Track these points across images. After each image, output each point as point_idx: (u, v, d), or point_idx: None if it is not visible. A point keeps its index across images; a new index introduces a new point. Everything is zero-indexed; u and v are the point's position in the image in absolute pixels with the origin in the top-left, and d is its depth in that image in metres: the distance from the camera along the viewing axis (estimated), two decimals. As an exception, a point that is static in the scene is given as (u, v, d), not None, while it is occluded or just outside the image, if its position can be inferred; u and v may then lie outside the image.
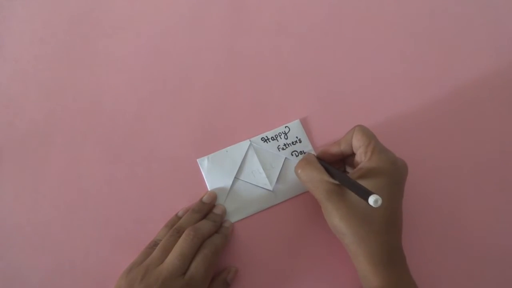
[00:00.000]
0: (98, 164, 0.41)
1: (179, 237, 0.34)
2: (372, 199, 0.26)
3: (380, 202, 0.26)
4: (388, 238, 0.31)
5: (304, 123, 0.42)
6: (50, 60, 0.46)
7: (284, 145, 0.41)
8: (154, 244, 0.35)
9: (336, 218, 0.31)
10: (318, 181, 0.33)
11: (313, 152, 0.40)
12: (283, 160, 0.40)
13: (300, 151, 0.41)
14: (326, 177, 0.32)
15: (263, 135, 0.41)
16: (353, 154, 0.34)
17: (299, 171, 0.35)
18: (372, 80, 0.44)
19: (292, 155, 0.40)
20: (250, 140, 0.41)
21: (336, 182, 0.32)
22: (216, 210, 0.38)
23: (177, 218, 0.37)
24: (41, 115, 0.43)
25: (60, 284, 0.37)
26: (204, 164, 0.40)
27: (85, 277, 0.37)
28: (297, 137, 0.41)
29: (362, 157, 0.33)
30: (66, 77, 0.45)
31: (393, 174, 0.31)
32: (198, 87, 0.44)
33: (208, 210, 0.38)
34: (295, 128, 0.41)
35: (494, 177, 0.40)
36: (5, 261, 0.38)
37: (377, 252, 0.30)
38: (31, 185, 0.41)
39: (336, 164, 0.37)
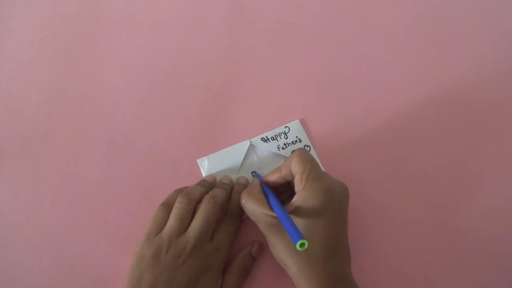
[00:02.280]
0: (98, 164, 0.41)
1: (191, 204, 0.34)
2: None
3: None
4: (330, 269, 0.30)
5: (304, 123, 0.42)
6: (50, 60, 0.46)
7: (284, 144, 0.41)
8: (163, 210, 0.35)
9: (277, 250, 0.31)
10: (259, 214, 0.32)
11: (311, 148, 0.40)
12: (284, 160, 0.40)
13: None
14: (266, 210, 0.32)
15: (263, 135, 0.41)
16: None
17: (243, 201, 0.34)
18: (372, 80, 0.44)
19: (293, 154, 0.40)
20: (250, 140, 0.41)
21: (275, 215, 0.31)
22: (224, 180, 0.39)
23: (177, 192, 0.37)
24: (41, 115, 0.43)
25: (60, 284, 0.37)
26: (204, 164, 0.40)
27: (85, 277, 0.37)
28: (297, 137, 0.41)
29: (298, 185, 0.32)
30: (66, 77, 0.45)
31: (329, 202, 0.31)
32: (198, 87, 0.44)
33: (210, 187, 0.38)
34: (295, 128, 0.41)
35: (493, 176, 0.40)
36: (5, 261, 0.38)
37: (319, 284, 0.29)
38: (31, 185, 0.41)
39: (284, 187, 0.37)
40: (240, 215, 0.37)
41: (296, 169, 0.33)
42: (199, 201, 0.35)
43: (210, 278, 0.33)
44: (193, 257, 0.32)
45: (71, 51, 0.46)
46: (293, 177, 0.34)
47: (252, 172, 0.40)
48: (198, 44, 0.46)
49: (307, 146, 0.41)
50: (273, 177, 0.35)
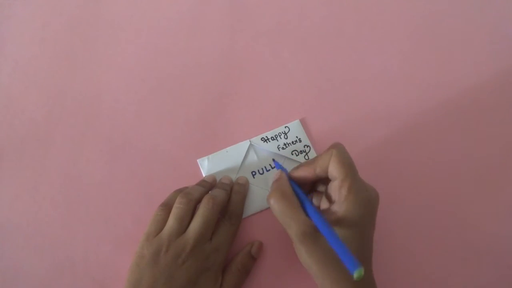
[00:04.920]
0: (98, 164, 0.41)
1: (191, 205, 0.34)
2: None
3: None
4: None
5: (304, 123, 0.42)
6: (50, 60, 0.46)
7: (284, 144, 0.41)
8: (163, 210, 0.35)
9: (308, 261, 0.29)
10: (292, 219, 0.30)
11: (311, 149, 0.40)
12: (284, 160, 0.40)
13: (300, 150, 0.41)
14: (303, 216, 0.30)
15: (263, 135, 0.41)
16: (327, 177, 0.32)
17: (271, 201, 0.31)
18: (372, 81, 0.44)
19: (292, 154, 0.40)
20: (250, 140, 0.41)
21: (312, 222, 0.29)
22: (224, 180, 0.39)
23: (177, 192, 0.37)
24: (41, 115, 0.43)
25: (60, 284, 0.37)
26: (204, 164, 0.40)
27: (85, 277, 0.37)
28: (297, 137, 0.41)
29: (336, 192, 0.30)
30: (66, 77, 0.45)
31: (368, 215, 0.31)
32: (198, 87, 0.44)
33: (210, 187, 0.38)
34: (295, 128, 0.41)
35: (494, 178, 0.40)
36: (5, 261, 0.38)
37: None
38: (31, 185, 0.40)
39: (307, 185, 0.35)
40: (240, 216, 0.37)
41: (335, 173, 0.30)
42: (198, 201, 0.35)
43: (210, 278, 0.33)
44: (192, 257, 0.32)
45: (71, 51, 0.46)
46: (327, 176, 0.32)
47: (272, 159, 0.39)
48: (198, 44, 0.46)
49: (307, 146, 0.41)
50: (304, 173, 0.33)
